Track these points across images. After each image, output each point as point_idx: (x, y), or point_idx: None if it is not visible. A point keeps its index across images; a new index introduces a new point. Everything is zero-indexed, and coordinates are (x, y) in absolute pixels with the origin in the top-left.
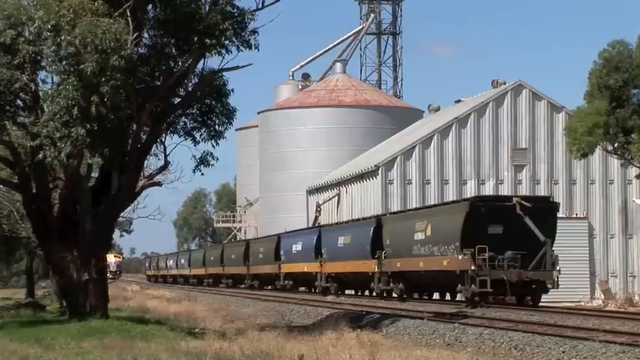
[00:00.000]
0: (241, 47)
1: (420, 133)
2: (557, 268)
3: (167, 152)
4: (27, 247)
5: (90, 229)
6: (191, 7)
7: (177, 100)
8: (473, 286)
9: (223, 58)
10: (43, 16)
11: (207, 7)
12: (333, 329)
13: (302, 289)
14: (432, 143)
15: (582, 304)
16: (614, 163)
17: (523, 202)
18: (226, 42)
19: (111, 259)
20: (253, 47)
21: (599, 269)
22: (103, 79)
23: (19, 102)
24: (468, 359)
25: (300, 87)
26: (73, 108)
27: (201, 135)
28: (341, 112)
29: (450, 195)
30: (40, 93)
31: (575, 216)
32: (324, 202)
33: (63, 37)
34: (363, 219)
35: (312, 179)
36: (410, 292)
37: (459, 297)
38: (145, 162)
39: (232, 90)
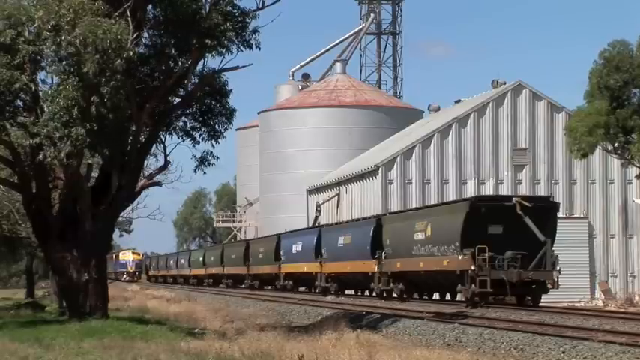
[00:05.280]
0: (242, 47)
1: (420, 133)
2: (557, 268)
3: (167, 152)
4: (27, 247)
5: (90, 229)
6: (192, 7)
7: (177, 100)
8: (473, 286)
9: (223, 58)
10: (43, 16)
11: (208, 8)
12: (333, 329)
13: (302, 289)
14: (432, 143)
15: (582, 304)
16: (614, 163)
17: (523, 202)
18: (227, 42)
19: (128, 256)
20: (254, 47)
21: (599, 269)
22: (104, 80)
23: (19, 102)
24: (468, 359)
25: (300, 87)
26: (73, 108)
27: (200, 135)
28: (341, 112)
29: (450, 195)
30: (40, 93)
31: (575, 216)
32: (324, 202)
33: (63, 37)
34: (363, 219)
35: (312, 179)
36: (410, 292)
37: (459, 297)
38: (145, 162)
39: (232, 90)
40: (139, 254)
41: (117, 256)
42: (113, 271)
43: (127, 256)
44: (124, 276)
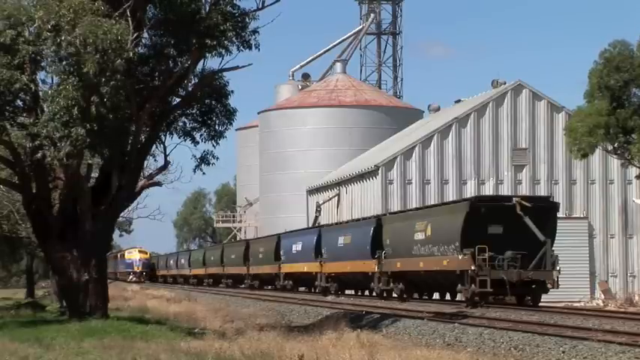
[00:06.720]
0: (241, 47)
1: (420, 133)
2: (557, 268)
3: (167, 152)
4: (27, 247)
5: (90, 229)
6: (191, 7)
7: (177, 100)
8: (473, 286)
9: (223, 58)
10: (43, 16)
11: (208, 8)
12: (333, 329)
13: (302, 289)
14: (432, 143)
15: (582, 304)
16: (614, 163)
17: (523, 202)
18: (227, 42)
19: (134, 255)
20: (254, 47)
21: (599, 269)
22: (103, 80)
23: (19, 102)
24: (467, 359)
25: (300, 87)
26: (73, 108)
27: (201, 135)
28: (341, 112)
29: (450, 195)
30: (40, 93)
31: (575, 216)
32: (324, 202)
33: (63, 37)
34: (363, 219)
35: (312, 179)
36: (410, 292)
37: (459, 297)
38: (145, 162)
39: (233, 91)
40: (146, 253)
41: (122, 255)
42: (117, 271)
43: (134, 255)
44: (130, 276)
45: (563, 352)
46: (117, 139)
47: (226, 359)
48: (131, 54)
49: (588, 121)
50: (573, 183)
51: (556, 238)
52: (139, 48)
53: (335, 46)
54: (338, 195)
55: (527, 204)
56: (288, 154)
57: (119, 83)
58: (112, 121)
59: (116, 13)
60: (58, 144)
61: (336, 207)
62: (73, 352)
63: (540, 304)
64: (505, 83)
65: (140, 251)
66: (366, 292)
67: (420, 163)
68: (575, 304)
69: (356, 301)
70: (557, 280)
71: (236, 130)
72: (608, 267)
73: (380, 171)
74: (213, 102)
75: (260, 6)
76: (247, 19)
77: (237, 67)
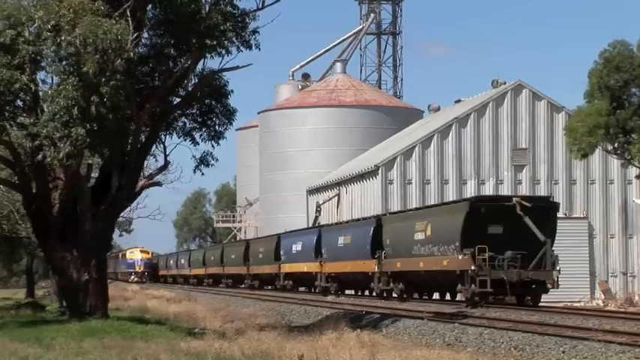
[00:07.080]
0: (241, 47)
1: (420, 133)
2: (557, 268)
3: (167, 152)
4: (27, 247)
5: (90, 229)
6: (191, 7)
7: (177, 100)
8: (473, 286)
9: (223, 58)
10: (43, 16)
11: (208, 8)
12: (333, 329)
13: (302, 289)
14: (432, 143)
15: (582, 304)
16: (614, 163)
17: (523, 202)
18: (227, 42)
19: (136, 255)
20: (254, 47)
21: (599, 269)
22: (103, 80)
23: (19, 102)
24: (467, 359)
25: (300, 87)
26: (73, 108)
27: (200, 135)
28: (341, 112)
29: (450, 195)
30: (40, 93)
31: (575, 216)
32: (324, 202)
33: (63, 37)
34: (363, 219)
35: (312, 179)
36: (410, 292)
37: (459, 297)
38: (145, 162)
39: (232, 91)
40: (148, 253)
41: (123, 255)
42: (117, 271)
43: (135, 255)
44: (132, 277)
45: (563, 352)
46: (117, 139)
47: (226, 359)
48: (131, 54)
49: (588, 121)
50: (573, 183)
51: (556, 238)
52: (139, 48)
53: (335, 46)
54: (338, 195)
55: (527, 204)
56: (288, 154)
57: (119, 83)
58: (112, 121)
59: (116, 13)
60: (58, 144)
61: (336, 207)
62: (73, 352)
63: (540, 304)
64: (505, 83)
65: (142, 251)
66: (366, 292)
67: (420, 163)
68: (575, 304)
69: (356, 301)
70: (557, 280)
71: (236, 130)
72: (608, 267)
73: (380, 171)
74: (213, 102)
75: (260, 6)
76: (247, 19)
77: (237, 67)
